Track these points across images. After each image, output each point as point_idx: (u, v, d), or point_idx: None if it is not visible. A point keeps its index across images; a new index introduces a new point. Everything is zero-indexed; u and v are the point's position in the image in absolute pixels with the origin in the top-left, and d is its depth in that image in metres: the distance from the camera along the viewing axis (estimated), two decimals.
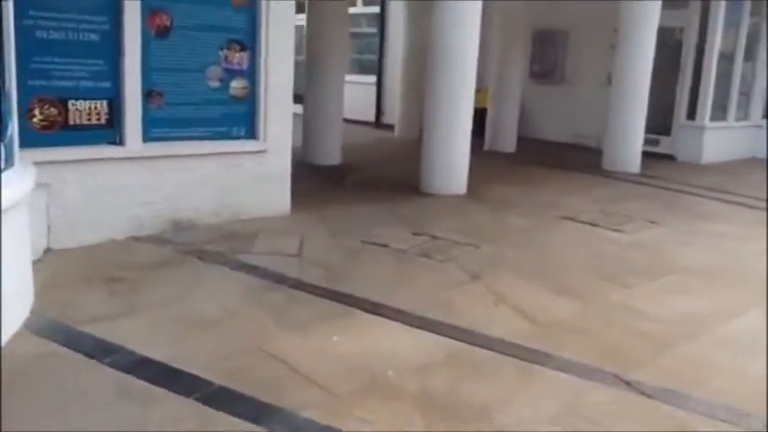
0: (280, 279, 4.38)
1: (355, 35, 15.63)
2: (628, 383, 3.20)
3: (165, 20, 5.04)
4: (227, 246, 4.98)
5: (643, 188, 8.60)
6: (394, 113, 13.19)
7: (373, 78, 14.75)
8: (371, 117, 14.67)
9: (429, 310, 3.97)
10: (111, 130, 4.90)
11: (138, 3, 4.84)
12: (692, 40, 11.19)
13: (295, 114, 5.99)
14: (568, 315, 4.12)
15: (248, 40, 5.52)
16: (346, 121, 14.54)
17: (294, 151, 6.07)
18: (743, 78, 11.93)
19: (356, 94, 14.78)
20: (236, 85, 5.53)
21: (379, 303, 4.03)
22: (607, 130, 9.92)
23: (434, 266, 4.85)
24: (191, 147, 5.29)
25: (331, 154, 8.83)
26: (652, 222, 6.64)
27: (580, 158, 10.69)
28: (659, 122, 11.31)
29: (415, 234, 5.62)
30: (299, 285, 4.29)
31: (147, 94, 5.04)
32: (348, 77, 15.21)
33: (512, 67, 11.12)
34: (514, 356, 3.43)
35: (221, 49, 5.38)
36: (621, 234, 6.13)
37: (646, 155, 9.97)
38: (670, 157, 11.41)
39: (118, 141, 4.93)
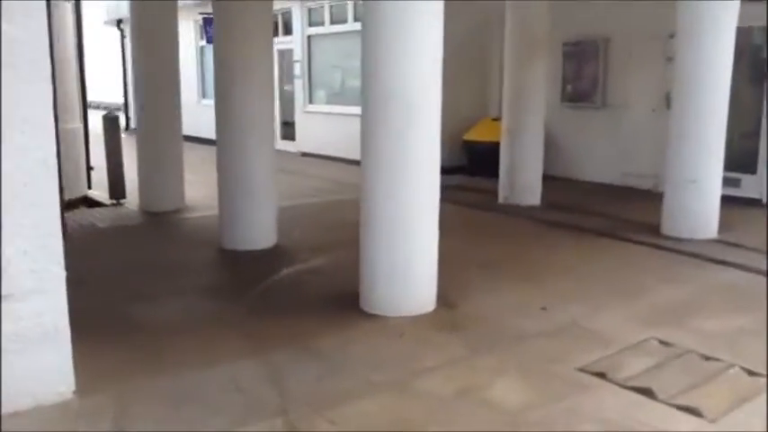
0: None
1: None
2: None
3: None
4: None
5: (727, 275, 5.57)
6: None
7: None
8: None
9: None
10: None
11: None
12: None
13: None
14: None
15: None
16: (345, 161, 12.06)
17: None
18: None
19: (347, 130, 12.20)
20: None
21: None
22: (668, 176, 6.91)
23: None
24: None
25: (258, 232, 6.10)
26: (753, 374, 3.69)
27: (631, 213, 7.70)
28: (738, 156, 8.23)
29: None
30: None
31: None
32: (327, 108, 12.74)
33: (533, 89, 8.24)
34: None
35: None
36: (701, 422, 3.21)
37: (724, 201, 6.87)
38: (757, 204, 8.31)
39: None
